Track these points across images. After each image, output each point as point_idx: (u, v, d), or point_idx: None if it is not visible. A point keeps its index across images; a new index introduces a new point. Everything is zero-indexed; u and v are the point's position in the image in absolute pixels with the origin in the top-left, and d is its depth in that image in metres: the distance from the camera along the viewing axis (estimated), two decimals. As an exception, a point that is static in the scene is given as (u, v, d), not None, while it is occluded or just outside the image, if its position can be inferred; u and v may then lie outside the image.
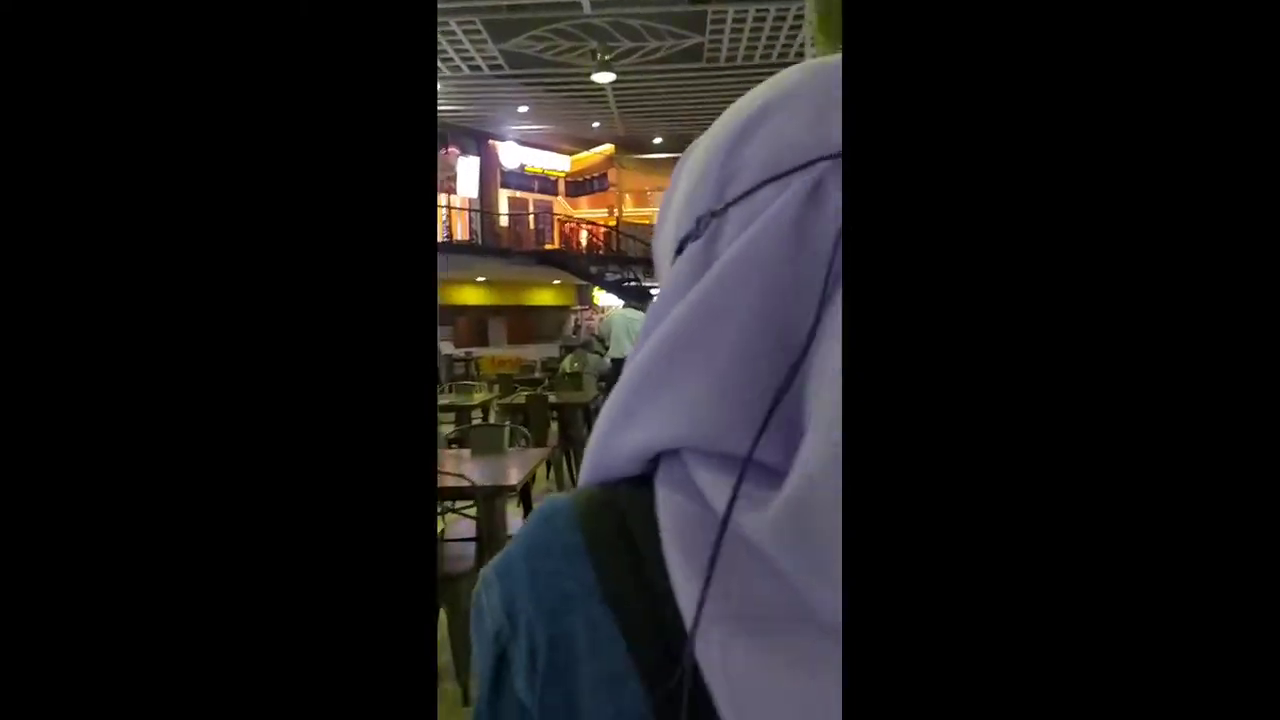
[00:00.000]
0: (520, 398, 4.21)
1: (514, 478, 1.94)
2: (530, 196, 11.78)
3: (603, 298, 12.56)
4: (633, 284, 9.87)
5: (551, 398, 4.09)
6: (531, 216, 11.31)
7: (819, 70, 0.26)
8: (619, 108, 9.61)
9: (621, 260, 10.49)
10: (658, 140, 11.54)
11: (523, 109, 9.63)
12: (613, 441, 0.25)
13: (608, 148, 11.63)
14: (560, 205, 12.35)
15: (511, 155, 11.58)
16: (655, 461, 0.24)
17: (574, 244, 11.24)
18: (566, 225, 11.73)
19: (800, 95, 0.25)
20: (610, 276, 10.11)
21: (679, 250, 0.27)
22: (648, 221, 13.21)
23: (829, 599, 0.19)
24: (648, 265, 10.41)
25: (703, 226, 0.25)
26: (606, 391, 1.91)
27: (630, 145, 11.71)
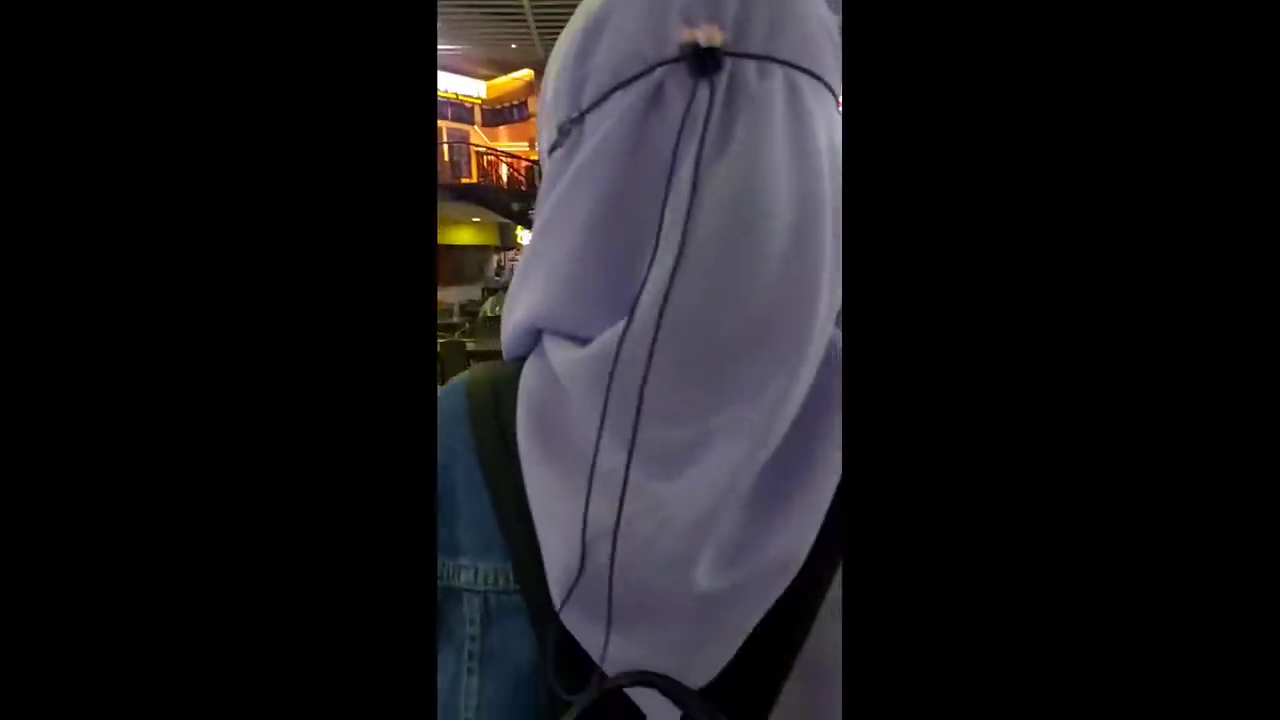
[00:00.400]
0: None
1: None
2: (443, 125, 10.83)
3: (527, 237, 12.00)
4: None
5: (470, 344, 3.81)
6: (445, 147, 10.32)
7: None
8: (538, 27, 8.85)
9: None
10: (581, 66, 10.89)
11: (430, 23, 8.67)
12: (505, 325, 0.30)
13: (526, 73, 10.80)
14: (477, 136, 11.47)
15: (420, 77, 10.51)
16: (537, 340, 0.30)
17: (494, 178, 10.38)
18: (485, 158, 10.84)
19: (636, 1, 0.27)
20: (534, 213, 9.63)
21: (550, 155, 0.30)
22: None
23: (601, 439, 0.24)
24: None
25: (563, 135, 0.28)
26: None
27: (552, 71, 10.98)
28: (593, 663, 0.25)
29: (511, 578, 0.27)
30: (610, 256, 0.26)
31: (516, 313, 0.29)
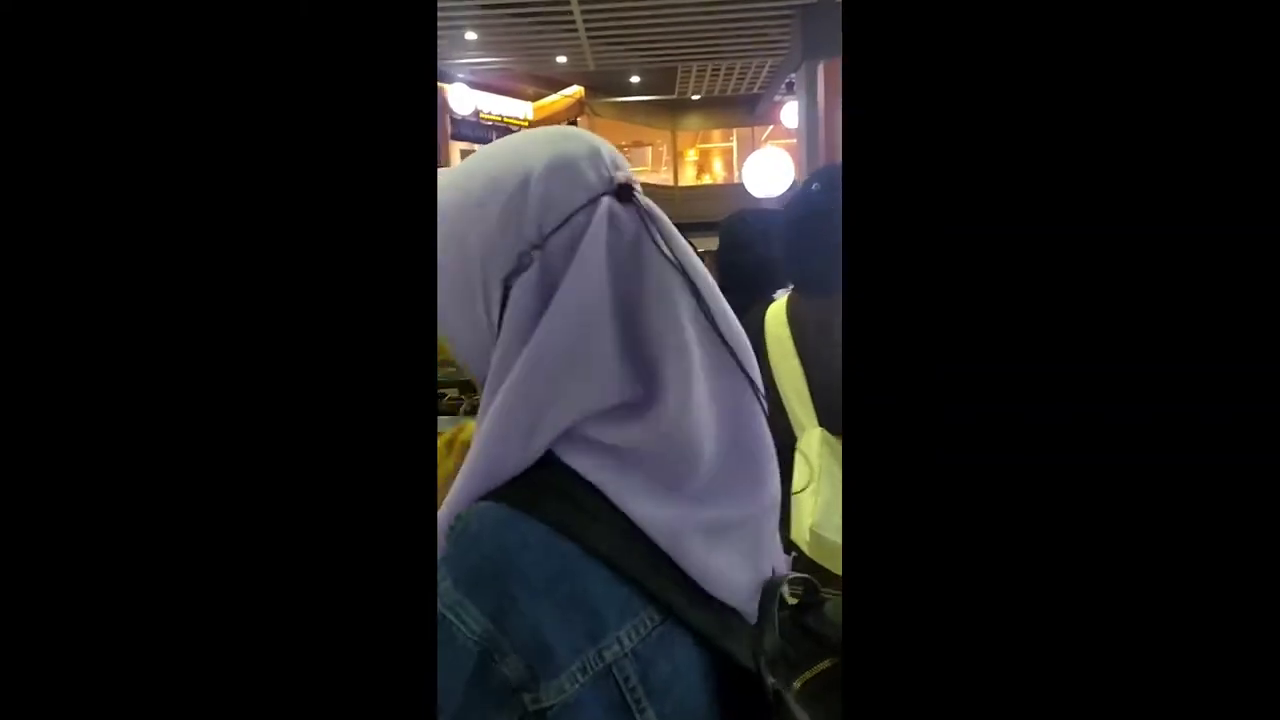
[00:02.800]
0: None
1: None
2: (488, 149, 10.19)
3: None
4: None
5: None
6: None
7: (567, 136, 0.38)
8: (588, 34, 8.03)
9: None
10: (635, 79, 10.06)
11: (470, 35, 7.98)
12: (508, 454, 0.34)
13: (576, 90, 10.09)
14: (524, 160, 10.77)
15: (463, 100, 9.93)
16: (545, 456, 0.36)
17: None
18: None
19: (574, 153, 0.37)
20: None
21: (507, 286, 0.36)
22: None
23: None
24: None
25: (525, 260, 0.35)
26: None
27: (602, 87, 10.22)
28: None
29: (649, 619, 0.33)
30: (615, 345, 0.35)
31: (550, 429, 0.35)
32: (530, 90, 10.68)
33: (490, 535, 0.33)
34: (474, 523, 0.33)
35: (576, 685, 0.32)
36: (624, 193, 0.36)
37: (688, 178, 13.67)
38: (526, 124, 11.47)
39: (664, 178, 12.70)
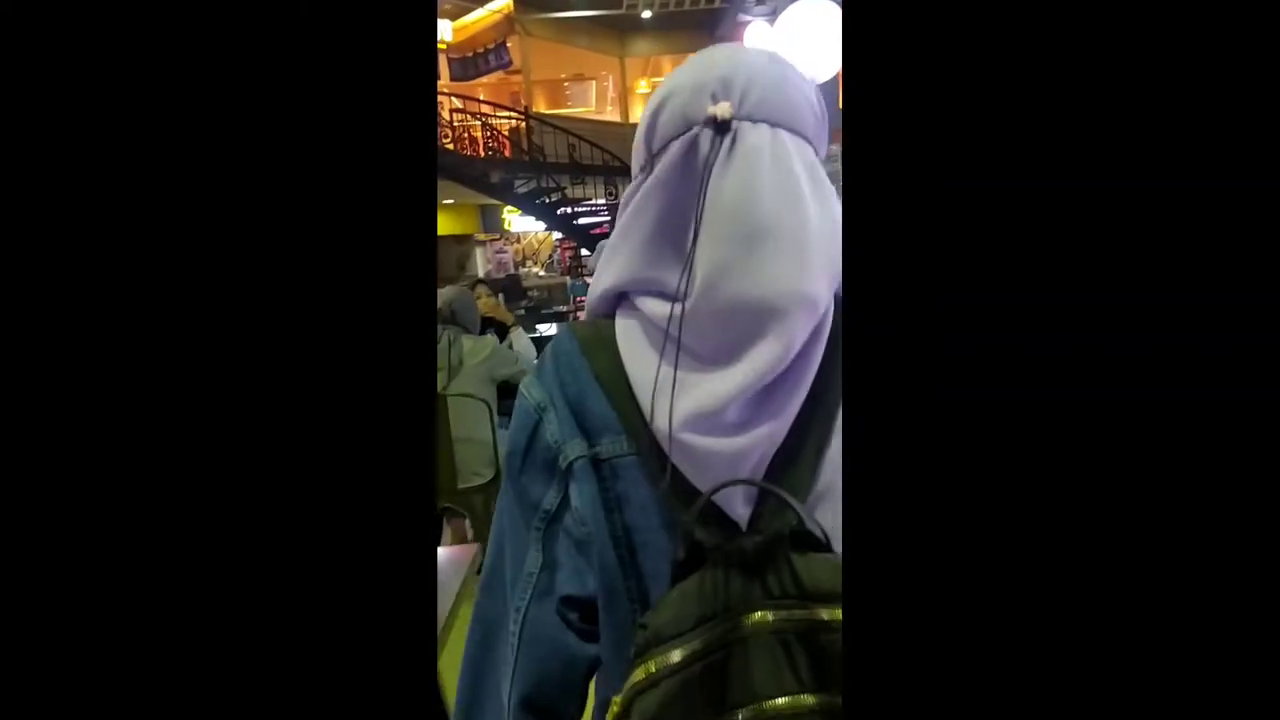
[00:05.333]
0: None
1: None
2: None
3: (517, 222, 10.89)
4: (554, 198, 8.19)
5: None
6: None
7: (702, 60, 0.50)
8: (518, -61, 7.71)
9: (536, 166, 8.48)
10: (574, -8, 9.76)
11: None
12: (593, 291, 0.54)
13: (504, 3, 9.67)
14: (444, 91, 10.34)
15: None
16: (616, 304, 0.52)
17: (465, 144, 9.14)
18: (456, 117, 9.58)
19: (685, 81, 0.49)
20: (521, 186, 8.15)
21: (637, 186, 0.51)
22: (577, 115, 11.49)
23: (665, 351, 0.46)
24: (575, 171, 8.68)
25: (643, 167, 0.50)
26: None
27: (536, 1, 9.82)
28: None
29: (625, 445, 0.49)
30: (670, 241, 0.48)
31: (604, 282, 0.52)
32: (447, 6, 10.18)
33: (552, 342, 0.54)
34: (553, 338, 0.56)
35: (578, 457, 0.49)
36: (716, 124, 0.46)
37: (638, 114, 13.43)
38: (445, 47, 10.94)
39: (612, 116, 12.41)
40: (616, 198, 8.36)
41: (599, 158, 8.67)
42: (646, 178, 0.49)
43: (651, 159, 0.49)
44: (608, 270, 0.52)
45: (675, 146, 0.48)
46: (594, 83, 13.01)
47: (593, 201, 8.46)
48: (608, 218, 9.07)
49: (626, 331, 0.50)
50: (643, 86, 13.34)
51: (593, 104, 13.03)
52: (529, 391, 0.53)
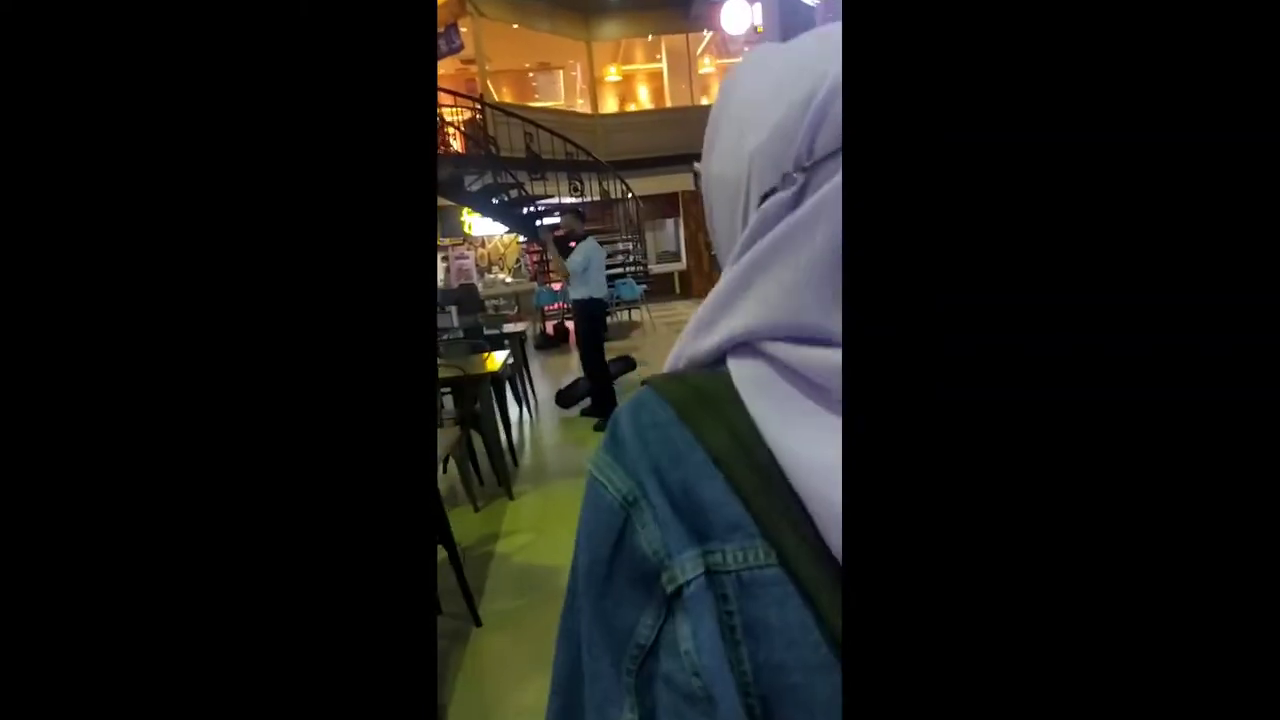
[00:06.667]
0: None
1: None
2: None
3: (478, 225, 10.74)
4: (511, 196, 8.06)
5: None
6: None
7: None
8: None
9: (490, 160, 8.12)
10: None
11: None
12: (696, 343, 0.41)
13: (461, -19, 9.57)
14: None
15: None
16: (722, 357, 0.40)
17: None
18: None
19: None
20: (474, 183, 7.84)
21: (763, 200, 0.39)
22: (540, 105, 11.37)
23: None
24: (534, 166, 8.53)
25: (788, 181, 0.38)
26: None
27: (494, -20, 9.75)
28: None
29: (762, 553, 0.35)
30: (824, 279, 0.36)
31: (727, 327, 0.39)
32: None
33: (628, 409, 0.41)
34: (628, 403, 0.42)
35: (693, 574, 0.36)
36: None
37: (609, 105, 13.45)
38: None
39: (581, 108, 12.39)
40: (582, 193, 8.27)
41: (561, 150, 8.55)
42: (799, 195, 0.38)
43: (809, 169, 0.37)
44: (731, 311, 0.39)
45: None
46: (561, 72, 12.98)
47: (554, 200, 8.31)
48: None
49: (761, 389, 0.37)
50: (613, 74, 13.37)
51: (562, 97, 12.98)
52: (607, 478, 0.39)
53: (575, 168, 8.57)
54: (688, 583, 0.36)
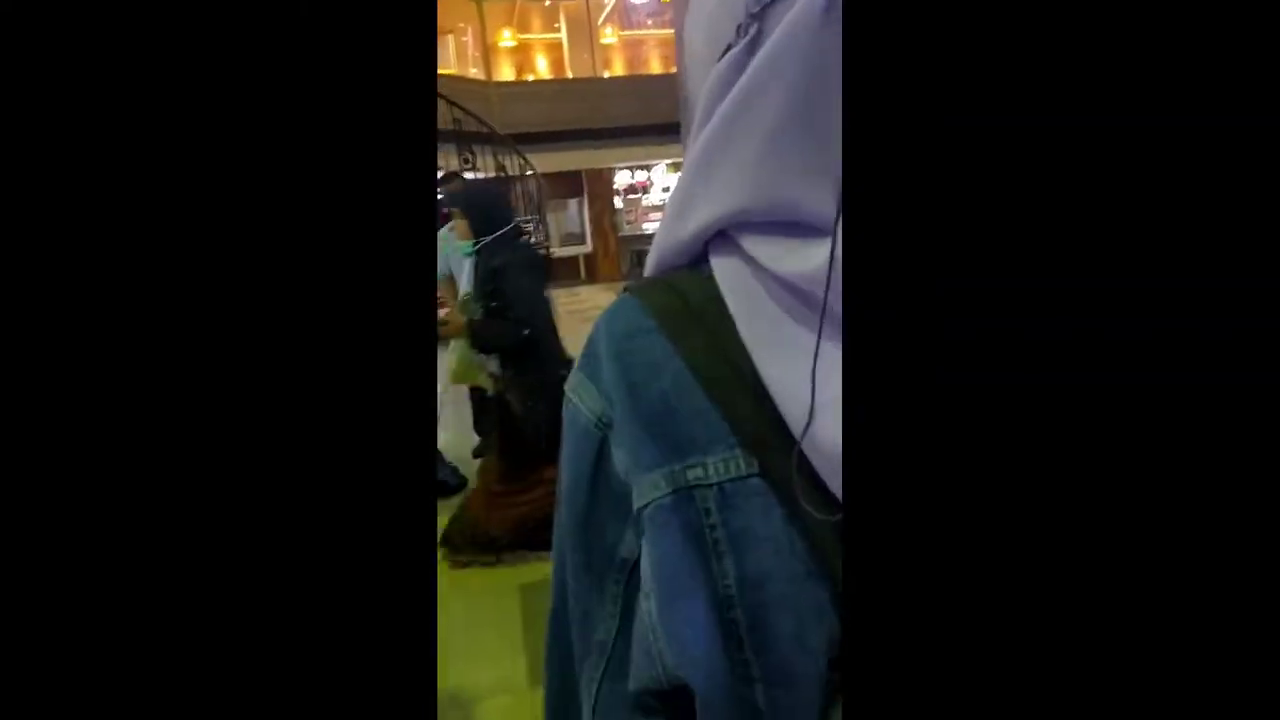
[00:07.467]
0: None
1: None
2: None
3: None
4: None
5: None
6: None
7: None
8: None
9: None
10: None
11: None
12: (673, 232, 0.38)
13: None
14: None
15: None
16: (703, 250, 0.38)
17: None
18: None
19: None
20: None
21: (717, 63, 0.36)
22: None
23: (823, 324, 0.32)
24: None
25: (742, 32, 0.35)
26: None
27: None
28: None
29: (742, 464, 0.35)
30: (816, 132, 0.32)
31: (697, 217, 0.37)
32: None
33: (606, 318, 0.39)
34: (607, 308, 0.40)
35: (659, 493, 0.35)
36: None
37: (505, 74, 13.12)
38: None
39: (474, 75, 12.02)
40: (472, 166, 7.87)
41: (449, 117, 8.12)
42: (753, 45, 0.34)
43: (757, 14, 0.34)
44: (697, 197, 0.37)
45: None
46: (452, 37, 12.56)
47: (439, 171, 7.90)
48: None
49: (747, 304, 0.35)
50: (506, 38, 13.06)
51: (453, 64, 12.56)
52: (581, 397, 0.39)
53: (464, 139, 8.10)
54: (645, 505, 0.36)
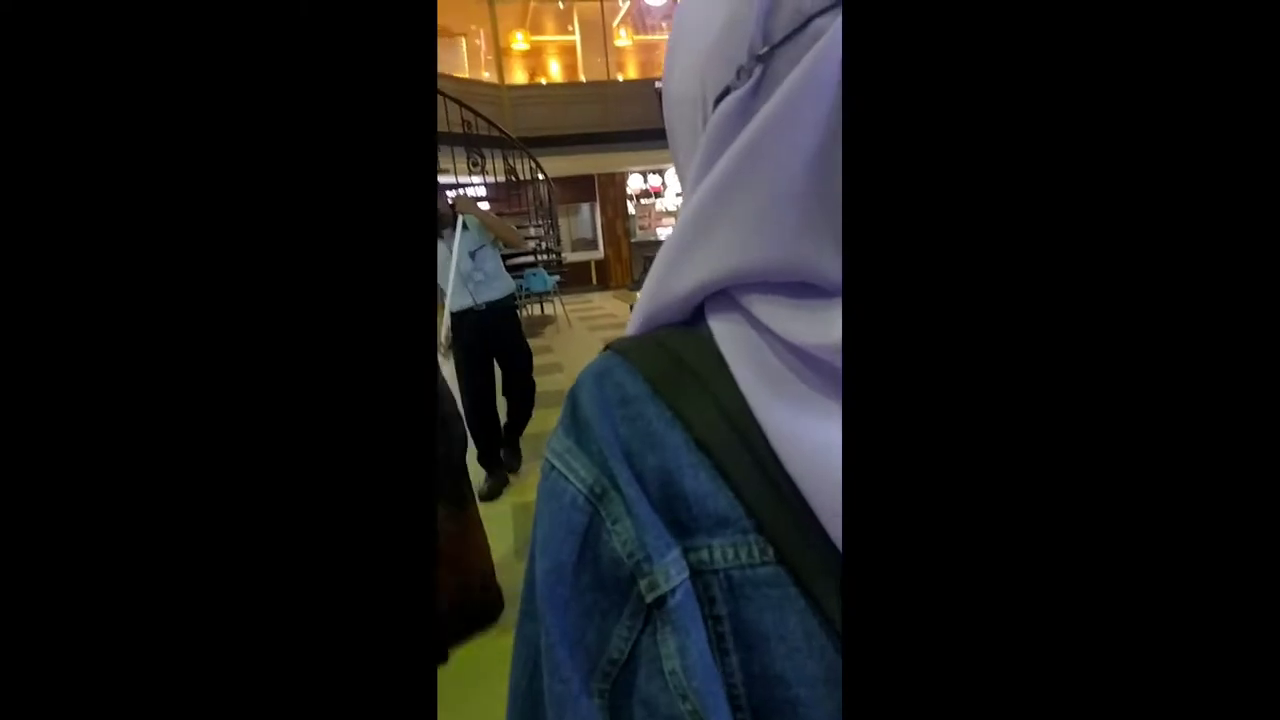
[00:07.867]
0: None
1: None
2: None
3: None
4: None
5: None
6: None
7: None
8: None
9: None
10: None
11: None
12: (665, 289, 0.35)
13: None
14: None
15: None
16: (699, 308, 0.36)
17: None
18: None
19: None
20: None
21: (717, 103, 0.34)
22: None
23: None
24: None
25: (743, 75, 0.33)
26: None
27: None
28: None
29: (756, 550, 0.31)
30: (830, 191, 0.31)
31: (696, 274, 0.34)
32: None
33: (590, 380, 0.35)
34: (588, 367, 0.36)
35: (678, 580, 0.31)
36: None
37: (517, 77, 13.19)
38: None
39: (486, 78, 12.08)
40: (482, 169, 7.85)
41: (458, 119, 8.08)
42: (757, 89, 0.32)
43: (764, 56, 0.32)
44: (696, 251, 0.34)
45: (829, 26, 0.31)
46: (464, 39, 12.64)
47: (449, 178, 8.02)
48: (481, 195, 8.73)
49: (750, 360, 0.33)
50: (519, 41, 13.13)
51: (465, 67, 12.64)
52: (568, 466, 0.34)
53: (473, 142, 8.05)
54: (672, 590, 0.31)
